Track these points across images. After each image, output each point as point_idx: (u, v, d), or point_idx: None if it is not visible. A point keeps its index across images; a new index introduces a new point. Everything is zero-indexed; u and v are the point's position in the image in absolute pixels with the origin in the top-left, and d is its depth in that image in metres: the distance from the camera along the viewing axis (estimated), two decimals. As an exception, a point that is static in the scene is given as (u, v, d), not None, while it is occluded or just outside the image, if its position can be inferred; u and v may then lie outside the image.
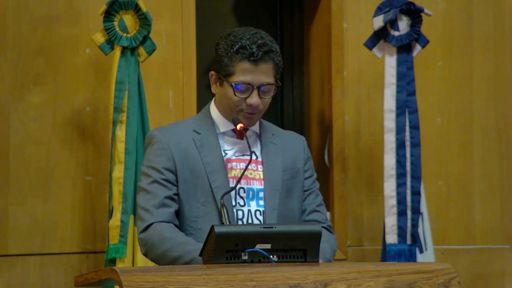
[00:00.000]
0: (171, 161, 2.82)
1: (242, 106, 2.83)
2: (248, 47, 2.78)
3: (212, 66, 2.88)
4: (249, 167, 2.85)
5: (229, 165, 2.85)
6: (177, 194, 2.81)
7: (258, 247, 2.40)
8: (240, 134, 2.89)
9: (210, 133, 2.88)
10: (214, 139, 2.87)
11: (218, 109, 2.91)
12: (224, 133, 2.90)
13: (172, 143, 2.84)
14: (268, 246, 2.41)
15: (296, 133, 3.07)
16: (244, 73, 2.80)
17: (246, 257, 2.40)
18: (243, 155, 2.88)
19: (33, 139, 4.35)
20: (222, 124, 2.90)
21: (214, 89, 2.90)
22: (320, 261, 2.61)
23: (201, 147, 2.85)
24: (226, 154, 2.87)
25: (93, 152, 4.46)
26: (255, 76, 2.80)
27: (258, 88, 2.81)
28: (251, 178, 2.86)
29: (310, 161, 3.01)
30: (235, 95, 2.81)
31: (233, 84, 2.80)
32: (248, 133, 2.89)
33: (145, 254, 2.79)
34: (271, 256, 2.42)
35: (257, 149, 2.91)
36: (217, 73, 2.85)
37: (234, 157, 2.87)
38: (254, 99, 2.81)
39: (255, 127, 2.93)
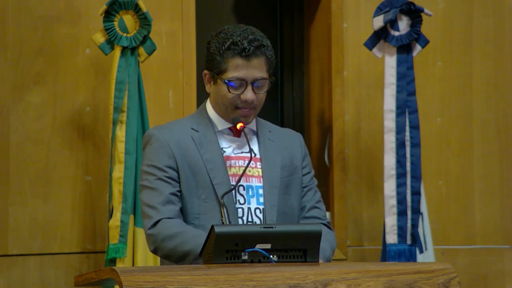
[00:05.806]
0: (172, 159, 2.82)
1: (237, 103, 2.82)
2: (239, 43, 2.78)
3: (205, 65, 2.88)
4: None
5: (227, 163, 2.85)
6: (180, 191, 2.81)
7: (258, 247, 2.40)
8: (237, 132, 2.89)
9: (208, 130, 2.88)
10: (212, 136, 2.87)
11: (213, 108, 2.91)
12: (221, 131, 2.90)
13: (171, 141, 2.84)
14: (268, 246, 2.41)
15: (293, 130, 3.08)
16: (237, 69, 2.80)
17: (246, 257, 2.40)
18: (242, 152, 2.88)
19: (33, 139, 4.35)
20: (219, 122, 2.90)
21: (208, 88, 2.90)
22: (320, 260, 2.61)
23: (200, 144, 2.85)
24: (225, 151, 2.87)
25: (93, 152, 4.45)
26: (248, 71, 2.80)
27: (252, 83, 2.81)
28: (249, 176, 2.86)
29: (307, 157, 3.01)
30: (229, 91, 2.81)
31: (226, 81, 2.80)
32: (245, 130, 2.88)
33: (154, 251, 2.76)
34: (271, 256, 2.42)
35: (255, 146, 2.90)
36: (210, 71, 2.85)
37: (233, 155, 2.87)
38: (248, 94, 2.81)
39: (252, 125, 2.93)
